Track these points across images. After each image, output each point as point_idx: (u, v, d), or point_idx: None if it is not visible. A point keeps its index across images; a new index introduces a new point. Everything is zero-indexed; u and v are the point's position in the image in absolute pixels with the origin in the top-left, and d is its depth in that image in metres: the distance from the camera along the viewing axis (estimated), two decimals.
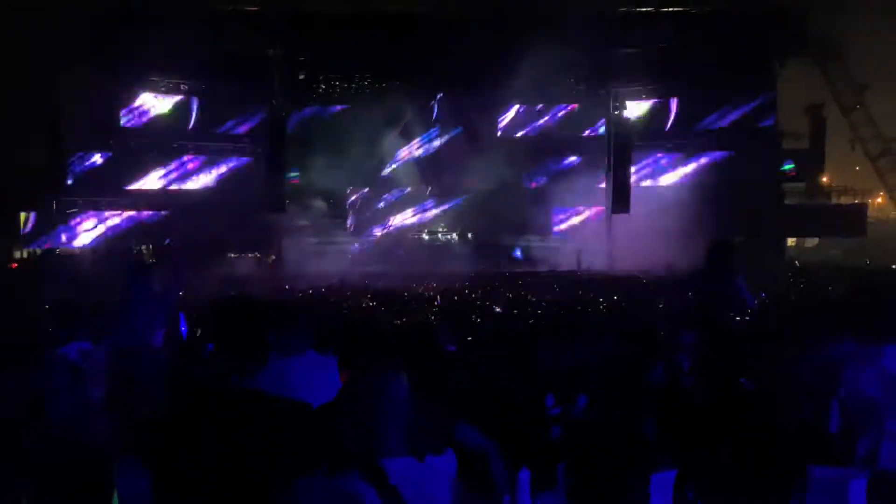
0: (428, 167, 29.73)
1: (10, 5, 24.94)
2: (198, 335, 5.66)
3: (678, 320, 7.74)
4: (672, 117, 29.02)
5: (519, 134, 30.37)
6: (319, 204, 28.04)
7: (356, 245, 28.37)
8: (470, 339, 7.16)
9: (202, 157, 28.79)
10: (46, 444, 2.77)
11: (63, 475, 2.70)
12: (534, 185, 30.10)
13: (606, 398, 4.64)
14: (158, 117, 28.18)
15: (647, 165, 28.93)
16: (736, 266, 7.51)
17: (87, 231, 27.09)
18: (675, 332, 6.28)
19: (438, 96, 29.50)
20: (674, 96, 28.84)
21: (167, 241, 25.88)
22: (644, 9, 27.08)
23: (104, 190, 27.41)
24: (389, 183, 30.20)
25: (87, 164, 27.43)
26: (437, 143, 29.79)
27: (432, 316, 10.55)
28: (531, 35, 25.14)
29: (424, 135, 29.78)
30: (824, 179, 29.62)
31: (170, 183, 28.35)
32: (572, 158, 30.07)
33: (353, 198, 29.81)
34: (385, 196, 30.27)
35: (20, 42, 26.02)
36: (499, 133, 30.12)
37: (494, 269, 23.86)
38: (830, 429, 3.98)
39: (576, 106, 29.82)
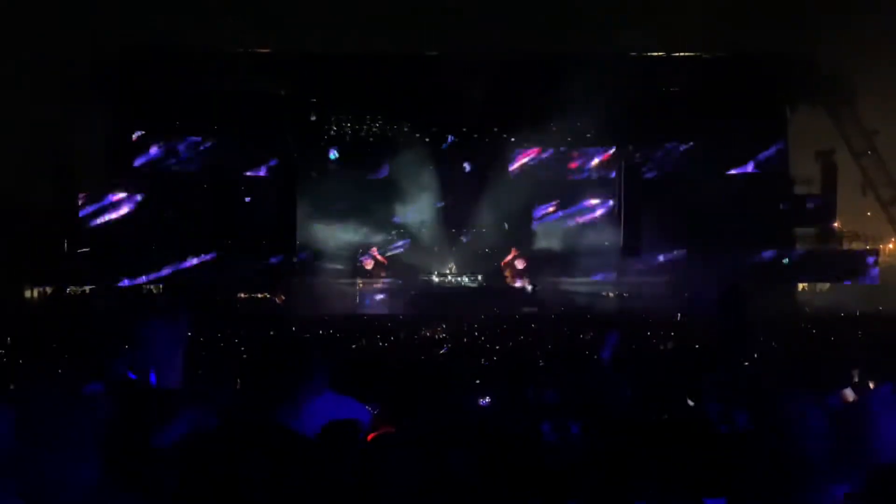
0: (438, 207, 29.72)
1: (25, 48, 25.28)
2: (211, 375, 5.63)
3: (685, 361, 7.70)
4: (682, 162, 29.11)
5: (530, 175, 30.41)
6: (330, 245, 28.00)
7: (366, 286, 28.30)
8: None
9: (213, 197, 28.84)
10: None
11: None
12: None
13: (610, 435, 4.59)
14: (170, 158, 28.33)
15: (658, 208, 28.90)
16: (746, 310, 7.46)
17: (99, 270, 27.06)
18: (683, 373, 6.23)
19: (450, 138, 29.57)
20: (684, 141, 28.91)
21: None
22: (655, 54, 27.28)
23: (114, 229, 27.49)
24: (399, 223, 30.14)
25: (97, 204, 27.55)
26: (447, 183, 29.77)
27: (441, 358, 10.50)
28: (540, 79, 25.35)
29: (435, 175, 29.78)
30: (835, 224, 29.57)
31: (181, 222, 28.38)
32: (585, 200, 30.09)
33: (364, 238, 29.67)
34: (395, 237, 30.20)
35: (32, 83, 26.33)
36: (510, 174, 30.13)
37: (504, 312, 23.76)
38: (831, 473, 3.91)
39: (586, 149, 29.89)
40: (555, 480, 4.19)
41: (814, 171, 28.67)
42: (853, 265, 28.31)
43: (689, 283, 23.32)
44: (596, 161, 30.27)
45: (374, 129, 29.22)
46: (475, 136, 29.23)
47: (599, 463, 4.41)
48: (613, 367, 6.49)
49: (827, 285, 31.13)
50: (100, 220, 27.55)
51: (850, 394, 5.48)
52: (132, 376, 4.41)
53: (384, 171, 28.97)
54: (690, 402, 5.43)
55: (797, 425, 4.01)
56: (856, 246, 30.21)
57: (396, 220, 29.74)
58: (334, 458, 3.28)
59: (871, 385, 4.67)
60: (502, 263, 28.78)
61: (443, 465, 3.36)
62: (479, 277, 28.64)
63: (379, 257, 28.85)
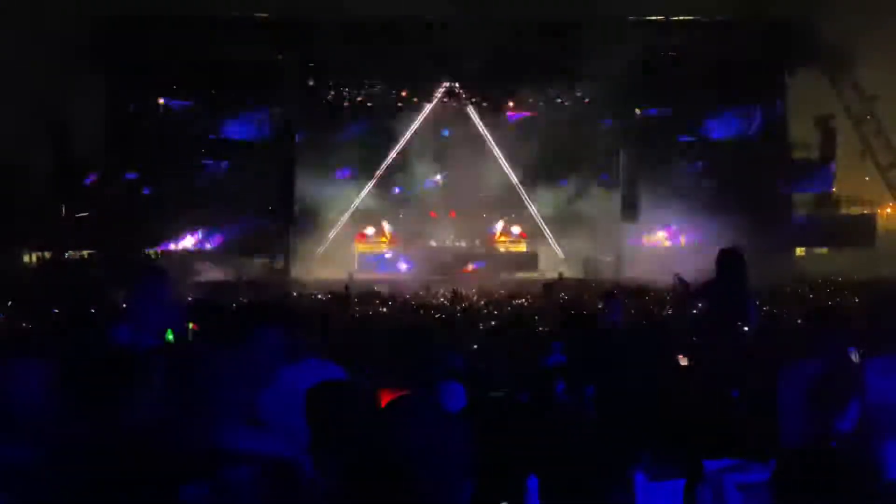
0: (437, 171, 29.71)
1: (23, 14, 25.13)
2: (203, 339, 5.65)
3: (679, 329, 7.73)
4: (682, 127, 29.00)
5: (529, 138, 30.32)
6: (328, 210, 27.98)
7: (364, 251, 28.37)
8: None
9: (211, 163, 28.75)
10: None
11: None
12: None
13: (613, 406, 4.63)
14: (168, 122, 28.18)
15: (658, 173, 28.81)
16: (746, 277, 7.42)
17: (98, 235, 26.97)
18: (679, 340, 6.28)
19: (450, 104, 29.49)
20: (682, 106, 28.73)
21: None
22: (653, 17, 27.07)
23: (113, 193, 27.41)
24: (399, 189, 30.09)
25: (96, 167, 27.48)
26: (446, 146, 29.72)
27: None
28: (539, 42, 25.18)
29: (433, 138, 29.73)
30: (834, 189, 29.57)
31: (179, 188, 28.27)
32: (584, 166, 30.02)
33: (362, 204, 29.60)
34: (394, 202, 30.16)
35: (29, 48, 26.15)
36: (507, 137, 30.01)
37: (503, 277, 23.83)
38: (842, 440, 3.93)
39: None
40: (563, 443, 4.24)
41: (813, 137, 28.65)
42: (851, 230, 28.39)
43: (687, 248, 23.29)
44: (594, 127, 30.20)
45: (373, 94, 29.12)
46: (474, 101, 29.11)
47: (603, 427, 4.46)
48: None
49: (825, 250, 31.14)
50: (99, 186, 27.50)
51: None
52: (129, 339, 4.43)
53: (381, 137, 28.91)
54: (683, 363, 5.48)
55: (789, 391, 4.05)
56: (854, 211, 30.23)
57: (396, 186, 29.70)
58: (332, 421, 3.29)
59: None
60: (499, 232, 28.91)
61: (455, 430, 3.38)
62: (477, 242, 28.69)
63: (382, 225, 28.94)
